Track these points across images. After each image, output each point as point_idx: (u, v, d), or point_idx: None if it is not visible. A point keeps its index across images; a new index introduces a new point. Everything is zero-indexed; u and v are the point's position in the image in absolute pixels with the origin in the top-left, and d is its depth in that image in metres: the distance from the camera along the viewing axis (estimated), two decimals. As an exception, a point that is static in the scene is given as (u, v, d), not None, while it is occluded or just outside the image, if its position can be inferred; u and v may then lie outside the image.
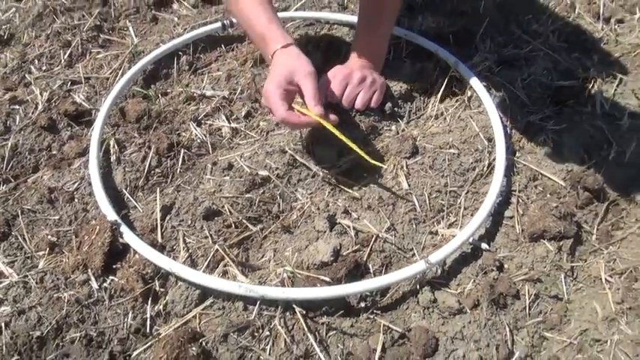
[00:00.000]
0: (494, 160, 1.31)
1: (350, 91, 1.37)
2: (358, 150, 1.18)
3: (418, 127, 1.41)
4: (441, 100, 1.46)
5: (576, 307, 1.15)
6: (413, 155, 1.33)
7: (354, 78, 1.37)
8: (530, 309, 1.13)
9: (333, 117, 1.24)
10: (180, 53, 1.58)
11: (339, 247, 1.15)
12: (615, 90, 1.54)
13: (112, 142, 1.36)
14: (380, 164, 1.24)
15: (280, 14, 1.67)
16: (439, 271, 1.16)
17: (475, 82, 1.45)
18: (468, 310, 1.11)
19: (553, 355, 1.08)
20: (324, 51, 1.57)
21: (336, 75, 1.39)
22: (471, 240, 1.18)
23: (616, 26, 1.75)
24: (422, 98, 1.48)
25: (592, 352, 1.08)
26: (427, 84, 1.50)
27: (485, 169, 1.31)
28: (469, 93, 1.46)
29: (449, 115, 1.41)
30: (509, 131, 1.39)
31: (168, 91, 1.51)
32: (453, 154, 1.32)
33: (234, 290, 1.08)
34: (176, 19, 1.72)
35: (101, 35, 1.70)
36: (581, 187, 1.30)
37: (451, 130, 1.38)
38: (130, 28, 1.71)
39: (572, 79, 1.55)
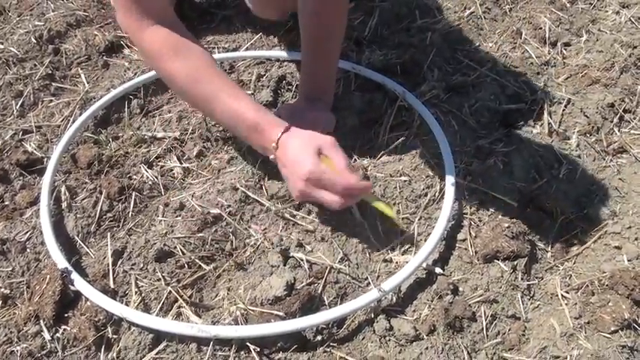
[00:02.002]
0: (445, 185, 1.32)
1: None
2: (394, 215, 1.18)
3: (369, 156, 1.42)
4: (391, 130, 1.47)
5: (534, 325, 1.15)
6: (364, 185, 1.33)
7: (300, 115, 1.36)
8: (487, 330, 1.13)
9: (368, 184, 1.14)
10: (131, 97, 1.58)
11: (292, 281, 1.15)
12: (564, 110, 1.58)
13: (62, 189, 1.35)
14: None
15: (231, 54, 1.69)
16: (394, 299, 1.15)
17: (423, 111, 1.47)
18: (424, 336, 1.10)
19: (513, 376, 1.08)
20: (274, 88, 1.58)
21: (282, 113, 1.38)
22: (424, 265, 1.18)
23: (563, 49, 1.79)
24: (372, 129, 1.49)
25: (552, 370, 1.08)
26: (377, 115, 1.52)
27: (437, 194, 1.31)
28: (418, 121, 1.47)
29: (399, 143, 1.42)
30: (458, 156, 1.40)
31: (120, 135, 1.51)
32: (404, 181, 1.33)
33: (186, 331, 1.06)
34: (127, 63, 1.72)
35: (53, 84, 1.69)
36: (533, 206, 1.31)
37: (402, 158, 1.39)
38: (82, 75, 1.71)
39: (520, 102, 1.58)
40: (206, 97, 1.18)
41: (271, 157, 1.18)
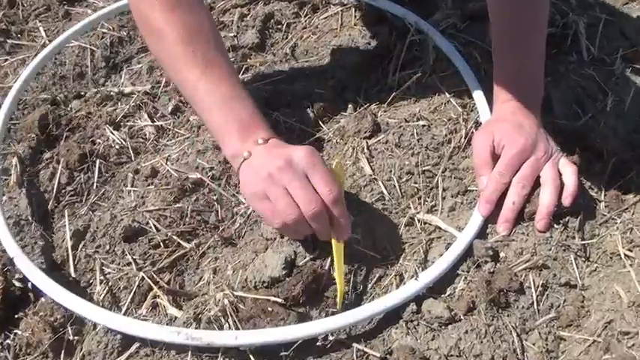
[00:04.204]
0: (471, 128, 1.10)
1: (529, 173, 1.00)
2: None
3: (378, 100, 1.20)
4: (402, 68, 1.25)
5: (595, 293, 0.94)
6: (374, 134, 1.11)
7: (537, 155, 1.01)
8: (539, 304, 0.91)
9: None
10: (94, 49, 1.35)
11: (292, 257, 0.93)
12: (601, 33, 1.36)
13: (13, 161, 1.13)
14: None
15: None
16: (419, 272, 0.93)
17: (441, 41, 1.26)
18: (461, 317, 0.89)
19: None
20: (260, 28, 1.35)
21: (508, 144, 1.01)
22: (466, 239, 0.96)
23: (592, -35, 1.56)
24: (379, 68, 1.27)
25: (622, 349, 0.86)
26: (384, 51, 1.29)
27: (462, 140, 1.09)
28: (434, 55, 1.25)
29: (412, 83, 1.20)
30: (485, 93, 1.18)
31: (82, 92, 1.29)
32: (423, 126, 1.11)
33: (172, 339, 0.85)
34: (90, 11, 1.49)
35: (8, 40, 1.47)
36: (578, 146, 1.09)
37: (417, 100, 1.17)
38: (41, 29, 1.48)
39: (551, 27, 1.34)
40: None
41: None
